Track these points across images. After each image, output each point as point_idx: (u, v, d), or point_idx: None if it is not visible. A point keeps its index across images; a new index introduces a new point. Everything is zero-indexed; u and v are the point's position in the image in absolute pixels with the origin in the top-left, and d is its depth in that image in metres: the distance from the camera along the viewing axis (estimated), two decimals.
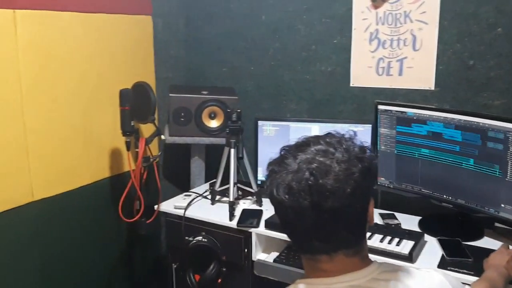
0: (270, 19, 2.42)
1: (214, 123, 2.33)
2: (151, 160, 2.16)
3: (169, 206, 2.21)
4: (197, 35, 2.67)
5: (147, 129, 2.29)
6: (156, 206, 2.21)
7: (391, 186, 2.09)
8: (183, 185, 2.54)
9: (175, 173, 2.70)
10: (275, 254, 1.98)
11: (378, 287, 0.97)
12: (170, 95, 2.31)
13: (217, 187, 2.23)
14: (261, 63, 2.48)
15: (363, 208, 0.99)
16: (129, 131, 2.09)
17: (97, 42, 2.21)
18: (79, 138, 2.16)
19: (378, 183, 2.12)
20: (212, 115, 2.33)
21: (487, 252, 1.65)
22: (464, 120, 1.78)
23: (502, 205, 1.73)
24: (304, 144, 1.00)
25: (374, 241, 1.77)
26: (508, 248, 1.65)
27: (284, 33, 2.39)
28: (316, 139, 1.01)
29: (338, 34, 2.24)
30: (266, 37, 2.44)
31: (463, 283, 1.37)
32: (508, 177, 1.68)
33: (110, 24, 2.27)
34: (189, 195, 2.28)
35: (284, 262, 1.90)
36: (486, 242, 1.82)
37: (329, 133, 1.04)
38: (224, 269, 2.05)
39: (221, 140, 2.29)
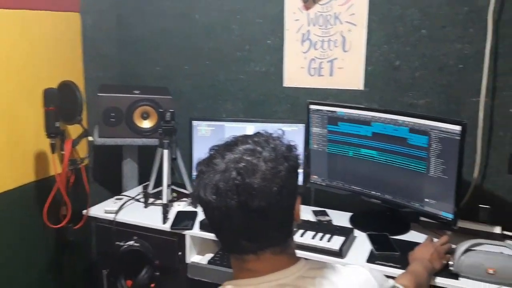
0: (204, 19, 2.39)
1: (146, 124, 2.27)
2: (78, 162, 2.07)
3: (99, 210, 2.13)
4: (129, 34, 2.60)
5: (75, 131, 2.19)
6: (84, 211, 2.12)
7: (324, 184, 2.13)
8: (115, 189, 2.46)
9: (106, 176, 2.60)
10: (210, 256, 1.96)
11: (305, 284, 0.97)
12: (99, 94, 2.22)
13: (150, 190, 2.17)
14: (195, 63, 2.45)
15: (290, 206, 0.99)
16: (54, 132, 1.99)
17: (21, 40, 2.10)
18: (1, 141, 2.03)
19: (311, 181, 2.15)
20: (145, 115, 2.27)
21: (413, 245, 1.72)
22: (391, 119, 1.84)
23: (426, 200, 1.81)
24: (233, 143, 1.00)
25: (306, 238, 1.79)
26: (432, 241, 1.72)
27: (218, 33, 2.37)
28: (244, 139, 1.00)
29: (271, 34, 2.26)
30: (201, 36, 2.41)
31: (390, 276, 1.42)
32: (431, 173, 1.76)
33: (34, 21, 2.16)
34: (121, 199, 2.21)
35: (219, 264, 1.88)
36: (412, 236, 1.89)
37: (258, 132, 1.04)
38: (157, 273, 1.99)
39: (154, 141, 2.23)
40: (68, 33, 2.38)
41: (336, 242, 1.76)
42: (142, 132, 2.27)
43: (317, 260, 1.09)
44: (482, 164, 1.94)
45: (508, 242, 1.75)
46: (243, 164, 0.93)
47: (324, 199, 2.25)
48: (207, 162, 0.97)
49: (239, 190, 0.91)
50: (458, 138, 1.65)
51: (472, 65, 1.91)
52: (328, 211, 2.12)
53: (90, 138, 2.17)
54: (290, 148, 1.01)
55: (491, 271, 1.51)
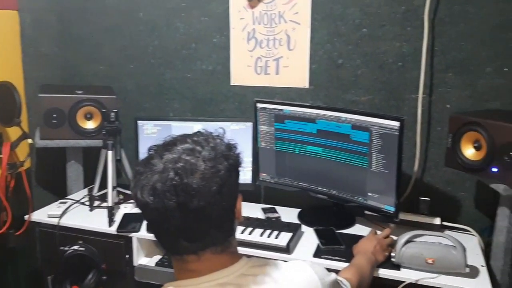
0: (148, 16, 2.35)
1: (90, 124, 2.21)
2: (18, 166, 1.99)
3: (42, 215, 2.05)
4: (71, 32, 2.52)
5: (14, 133, 2.10)
6: (26, 216, 2.04)
7: (272, 181, 2.15)
8: (59, 192, 2.38)
9: (50, 180, 2.51)
10: (158, 258, 1.94)
11: (247, 282, 0.98)
12: (40, 95, 2.14)
13: (95, 192, 2.12)
14: (140, 61, 2.41)
15: (230, 205, 0.99)
16: None
17: None
18: None
19: (260, 178, 2.17)
20: (88, 116, 2.20)
21: (357, 238, 1.77)
22: (334, 116, 1.88)
23: (369, 194, 1.87)
24: (171, 143, 0.99)
25: (255, 235, 1.81)
26: (376, 234, 1.77)
27: (163, 31, 2.34)
28: (183, 138, 1.00)
29: (217, 32, 2.25)
30: (145, 34, 2.37)
31: (336, 269, 1.45)
32: (373, 168, 1.81)
33: None
34: (65, 202, 2.14)
35: (166, 265, 1.87)
36: (357, 229, 1.94)
37: (198, 131, 1.04)
38: (104, 278, 1.95)
39: (99, 142, 2.16)
40: (5, 32, 2.28)
41: (284, 238, 1.78)
42: (86, 133, 2.20)
43: (259, 258, 1.09)
44: (421, 158, 2.02)
45: (447, 232, 1.83)
46: (181, 164, 0.92)
47: (274, 196, 2.27)
48: (145, 163, 0.96)
49: (177, 191, 0.90)
50: (397, 133, 1.71)
51: (410, 62, 1.98)
52: (278, 208, 2.15)
53: (30, 141, 2.09)
54: (230, 147, 1.01)
55: (430, 260, 1.58)
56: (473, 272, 1.59)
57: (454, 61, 1.93)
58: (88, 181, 2.38)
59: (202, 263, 0.97)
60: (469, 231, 1.92)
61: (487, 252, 1.83)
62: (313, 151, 1.98)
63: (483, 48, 1.88)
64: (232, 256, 1.02)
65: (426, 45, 1.92)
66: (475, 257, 1.71)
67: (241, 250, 1.69)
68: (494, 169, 1.61)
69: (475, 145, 1.68)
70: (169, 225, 0.93)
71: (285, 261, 1.11)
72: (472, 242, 1.83)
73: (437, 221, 1.91)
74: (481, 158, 1.65)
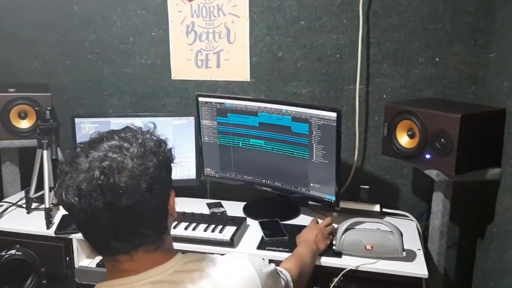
0: (83, 10, 2.26)
1: (25, 124, 2.11)
2: None
3: None
4: (2, 27, 2.38)
5: None
6: None
7: (217, 176, 2.14)
8: None
9: None
10: (99, 259, 1.89)
11: (181, 279, 0.97)
12: None
13: (32, 194, 2.03)
14: (77, 57, 2.32)
15: (162, 203, 0.97)
16: None
17: None
18: None
19: (205, 173, 2.15)
20: (22, 115, 2.10)
21: (301, 228, 1.79)
22: (275, 109, 1.89)
23: (311, 184, 1.90)
24: (97, 140, 0.95)
25: (199, 231, 1.80)
26: (317, 223, 1.80)
27: (99, 25, 2.26)
28: (110, 135, 0.97)
29: (155, 26, 2.20)
30: (80, 29, 2.29)
31: (280, 260, 1.47)
32: (314, 159, 1.84)
33: None
34: (1, 206, 2.04)
35: None
36: (301, 220, 1.97)
37: (126, 127, 1.01)
38: (44, 282, 1.88)
39: (34, 142, 2.08)
40: None
41: (228, 232, 1.78)
42: (20, 133, 2.10)
43: (195, 253, 1.07)
44: (361, 147, 2.08)
45: (386, 219, 1.89)
46: (108, 162, 0.89)
47: (220, 191, 2.27)
48: (70, 162, 0.92)
49: (103, 190, 0.87)
50: (335, 124, 1.74)
51: (347, 54, 2.02)
52: (223, 202, 2.14)
53: None
54: (160, 142, 0.99)
55: (369, 247, 1.63)
56: (410, 256, 1.65)
57: (388, 52, 1.98)
58: (25, 183, 2.28)
59: (134, 263, 0.95)
60: (408, 217, 1.99)
61: (426, 236, 1.90)
62: (256, 144, 1.98)
63: (415, 39, 1.95)
64: (167, 253, 1.00)
65: (361, 37, 1.96)
66: (413, 242, 1.78)
67: (185, 246, 1.73)
68: (427, 156, 1.67)
69: (409, 133, 1.74)
70: (97, 226, 0.90)
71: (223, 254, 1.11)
72: (410, 227, 1.91)
73: (376, 208, 1.97)
74: (415, 146, 1.72)
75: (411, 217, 1.98)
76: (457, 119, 1.55)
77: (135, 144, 0.93)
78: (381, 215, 1.96)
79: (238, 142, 2.03)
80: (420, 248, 1.74)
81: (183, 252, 1.05)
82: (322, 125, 1.78)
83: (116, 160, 0.90)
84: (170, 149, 1.01)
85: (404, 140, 1.76)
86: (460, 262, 2.10)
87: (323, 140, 1.79)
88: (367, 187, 2.01)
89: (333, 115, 1.74)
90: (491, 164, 1.69)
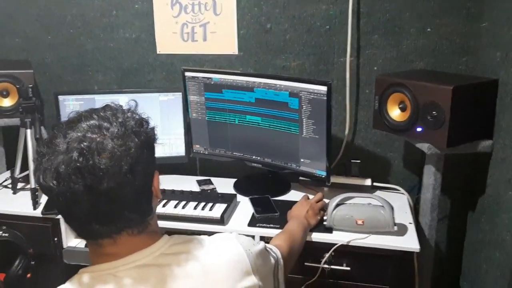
0: None
1: (7, 102, 2.04)
2: None
3: None
4: None
5: None
6: None
7: (206, 153, 2.10)
8: None
9: None
10: None
11: (167, 261, 0.94)
12: None
13: (17, 174, 1.99)
14: (58, 32, 2.24)
15: (145, 184, 0.93)
16: None
17: None
18: None
19: (194, 150, 2.12)
20: (4, 93, 2.03)
21: (292, 204, 1.77)
22: (265, 83, 1.84)
23: (302, 160, 1.87)
24: (76, 120, 0.90)
25: (188, 209, 1.77)
26: (308, 199, 1.79)
27: None
28: (89, 114, 0.92)
29: None
30: (61, 2, 2.20)
31: (271, 237, 1.45)
32: (304, 134, 1.81)
33: None
34: None
35: None
36: (292, 195, 1.95)
37: (106, 105, 0.96)
38: (32, 263, 1.85)
39: (18, 121, 2.03)
40: None
41: (218, 209, 1.76)
42: (2, 112, 2.04)
43: (181, 235, 1.04)
44: (351, 121, 2.04)
45: (377, 193, 1.88)
46: (86, 143, 0.85)
47: (209, 168, 2.24)
48: (47, 143, 0.88)
49: (83, 173, 0.83)
50: (325, 98, 1.70)
51: (337, 25, 1.96)
52: (213, 179, 2.11)
53: None
54: (141, 121, 0.94)
55: (360, 222, 1.61)
56: (401, 230, 1.65)
57: (379, 22, 1.93)
58: (9, 163, 2.24)
59: (118, 246, 0.92)
60: (399, 190, 1.98)
61: (417, 209, 1.90)
62: (246, 120, 1.93)
63: (406, 9, 1.90)
64: (152, 236, 0.97)
65: (352, 6, 1.90)
66: (404, 215, 1.77)
67: (175, 224, 1.70)
68: (419, 129, 1.65)
69: (400, 106, 1.71)
70: (78, 209, 0.86)
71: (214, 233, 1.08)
72: (401, 201, 1.90)
73: (368, 182, 1.95)
74: (406, 119, 1.69)
75: (402, 190, 1.97)
76: (449, 91, 1.52)
77: (115, 123, 0.89)
78: (372, 189, 1.95)
79: (234, 119, 1.97)
80: (412, 222, 1.73)
81: (170, 233, 1.02)
82: (312, 99, 1.74)
83: (95, 141, 0.85)
84: (153, 128, 0.96)
85: (395, 113, 1.73)
86: (451, 235, 2.10)
87: (313, 115, 1.76)
88: (358, 161, 1.98)
89: (323, 88, 1.70)
90: (482, 136, 1.67)
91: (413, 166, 2.05)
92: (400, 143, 2.05)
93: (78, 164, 0.83)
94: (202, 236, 1.05)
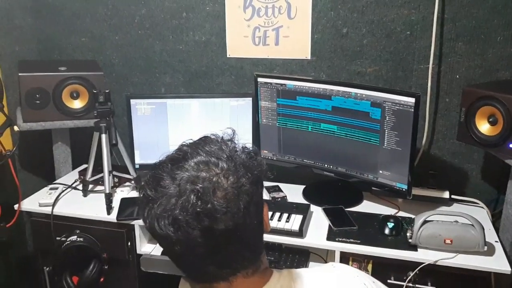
0: None
1: (77, 104, 2.04)
2: (7, 156, 1.83)
3: (32, 203, 1.93)
4: (46, 1, 2.29)
5: None
6: (16, 206, 1.91)
7: (275, 159, 2.06)
8: (47, 176, 2.24)
9: (36, 164, 2.35)
10: None
11: None
12: (20, 74, 1.95)
13: (88, 177, 1.99)
14: (126, 32, 2.23)
15: (258, 219, 0.88)
16: None
17: None
18: None
19: (262, 155, 2.08)
20: (74, 95, 2.03)
21: (368, 216, 1.72)
22: (343, 91, 1.78)
23: (381, 171, 1.81)
24: (181, 158, 0.84)
25: None
26: None
27: None
28: (194, 149, 0.85)
29: (210, 0, 2.08)
30: (130, 2, 2.18)
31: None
32: (385, 145, 1.75)
33: None
34: (56, 188, 2.01)
35: None
36: (366, 206, 1.90)
37: (205, 137, 0.89)
38: (106, 267, 1.86)
39: (87, 122, 2.03)
40: None
41: (295, 221, 1.72)
42: (72, 114, 2.04)
43: (289, 270, 0.96)
44: (429, 130, 1.97)
45: (455, 206, 1.81)
46: (200, 185, 0.79)
47: (274, 173, 2.20)
48: (154, 186, 0.82)
49: (202, 217, 0.78)
50: (412, 110, 1.64)
51: (419, 31, 1.88)
52: (280, 185, 2.07)
53: (16, 128, 1.92)
54: (251, 154, 0.88)
55: (448, 241, 1.55)
56: (489, 249, 1.58)
57: (464, 29, 1.84)
58: (75, 163, 2.25)
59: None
60: (478, 204, 1.90)
61: (494, 224, 1.82)
62: (328, 129, 1.88)
63: (494, 16, 1.80)
64: (264, 275, 0.91)
65: (437, 12, 1.82)
66: (487, 232, 1.69)
67: None
68: (511, 145, 1.57)
69: (490, 119, 1.63)
70: (194, 254, 0.82)
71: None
72: (481, 215, 1.82)
73: (446, 194, 1.88)
74: (497, 134, 1.60)
75: (482, 204, 1.90)
76: None
77: (223, 158, 0.83)
78: (450, 201, 1.88)
79: (308, 126, 1.92)
80: (498, 240, 1.66)
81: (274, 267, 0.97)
82: (397, 110, 1.67)
83: (210, 180, 0.80)
84: (262, 161, 0.89)
85: (484, 127, 1.65)
86: None
87: (397, 126, 1.69)
88: (436, 172, 1.91)
89: (411, 100, 1.63)
90: None
91: (492, 179, 1.97)
92: (479, 154, 1.96)
93: (197, 209, 0.78)
94: (311, 271, 0.97)
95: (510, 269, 1.51)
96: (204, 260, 0.83)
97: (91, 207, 1.90)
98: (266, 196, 1.98)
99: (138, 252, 1.85)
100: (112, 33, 2.25)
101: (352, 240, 1.65)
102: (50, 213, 1.86)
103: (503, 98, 1.57)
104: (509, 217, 1.74)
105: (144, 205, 0.83)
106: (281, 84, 1.91)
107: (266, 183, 2.07)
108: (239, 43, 2.10)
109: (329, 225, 1.74)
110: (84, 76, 2.02)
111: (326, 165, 1.95)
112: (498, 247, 1.62)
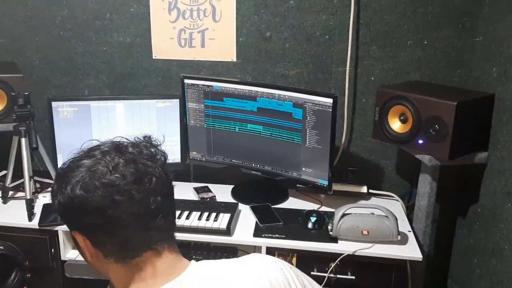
0: None
1: None
2: None
3: None
4: None
5: None
6: None
7: (203, 160, 2.09)
8: None
9: None
10: None
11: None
12: None
13: (8, 183, 1.91)
14: (47, 33, 2.16)
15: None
16: None
17: None
18: None
19: (190, 157, 2.10)
20: None
21: (292, 212, 1.79)
22: (268, 93, 1.85)
23: (303, 169, 1.89)
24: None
25: (193, 219, 1.76)
26: None
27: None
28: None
29: (134, 2, 2.07)
30: (51, 3, 2.11)
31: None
32: (307, 144, 1.83)
33: None
34: None
35: None
36: (291, 203, 1.98)
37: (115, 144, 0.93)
38: (28, 275, 1.79)
39: (6, 126, 1.93)
40: None
41: (223, 220, 1.76)
42: None
43: (208, 262, 0.97)
44: (348, 129, 2.08)
45: (373, 200, 1.94)
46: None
47: (203, 174, 2.23)
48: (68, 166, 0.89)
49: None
50: (330, 110, 1.73)
51: (337, 36, 1.99)
52: (209, 185, 2.10)
53: None
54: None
55: (365, 232, 1.66)
56: (403, 239, 1.70)
57: (378, 34, 1.97)
58: None
59: (163, 264, 0.88)
60: (393, 197, 2.04)
61: (408, 215, 1.96)
62: (254, 129, 1.93)
63: (404, 21, 1.94)
64: (183, 259, 0.94)
65: (352, 18, 1.93)
66: (402, 223, 1.82)
67: (180, 235, 1.68)
68: (420, 141, 1.70)
69: (402, 118, 1.76)
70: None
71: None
72: (396, 207, 1.96)
73: (364, 189, 2.01)
74: (407, 131, 1.73)
75: (397, 197, 2.04)
76: (453, 107, 1.58)
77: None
78: (368, 195, 2.00)
79: (235, 127, 1.96)
80: (410, 230, 1.79)
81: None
82: (317, 110, 1.76)
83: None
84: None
85: (396, 125, 1.78)
86: (440, 240, 2.18)
87: (317, 126, 1.78)
88: (355, 168, 2.03)
89: (329, 100, 1.72)
90: (478, 148, 1.75)
91: (406, 174, 2.12)
92: (393, 151, 2.11)
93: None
94: (231, 264, 0.98)
95: (421, 256, 1.64)
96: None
97: (12, 214, 1.84)
98: (195, 196, 2.00)
99: (62, 258, 1.81)
100: (32, 34, 2.17)
101: (277, 236, 1.72)
102: None
103: (412, 98, 1.70)
104: (421, 209, 1.88)
105: (62, 177, 0.86)
106: (208, 86, 1.95)
107: (196, 184, 2.11)
108: (165, 45, 2.10)
109: (256, 222, 1.80)
110: (2, 78, 1.93)
111: (253, 165, 2.01)
112: (411, 236, 1.75)
